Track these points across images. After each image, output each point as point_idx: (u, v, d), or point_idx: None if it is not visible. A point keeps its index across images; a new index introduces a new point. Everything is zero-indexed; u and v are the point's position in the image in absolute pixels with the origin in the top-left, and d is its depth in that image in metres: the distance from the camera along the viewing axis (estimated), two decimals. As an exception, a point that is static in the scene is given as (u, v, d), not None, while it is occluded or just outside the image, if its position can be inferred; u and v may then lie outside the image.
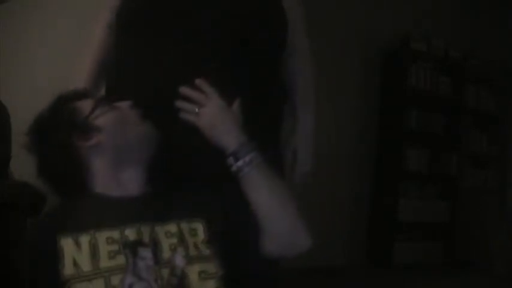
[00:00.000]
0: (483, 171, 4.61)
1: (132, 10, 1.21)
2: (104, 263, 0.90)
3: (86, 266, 0.90)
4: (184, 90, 1.10)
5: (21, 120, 2.37)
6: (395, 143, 4.08)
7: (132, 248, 0.93)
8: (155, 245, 0.94)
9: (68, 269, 0.90)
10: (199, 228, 1.00)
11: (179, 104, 1.10)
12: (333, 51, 3.80)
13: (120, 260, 0.91)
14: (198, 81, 1.10)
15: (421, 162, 4.20)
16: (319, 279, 3.32)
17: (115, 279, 0.89)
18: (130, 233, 0.94)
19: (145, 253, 0.93)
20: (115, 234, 0.94)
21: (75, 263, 0.90)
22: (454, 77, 4.34)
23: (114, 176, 1.03)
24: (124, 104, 1.07)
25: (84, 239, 0.92)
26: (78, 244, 0.92)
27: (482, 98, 4.52)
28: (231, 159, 1.06)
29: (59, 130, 1.03)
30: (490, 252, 4.08)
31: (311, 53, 1.44)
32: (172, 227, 0.98)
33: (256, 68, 1.19)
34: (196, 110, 1.09)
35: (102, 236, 0.93)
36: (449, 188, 4.35)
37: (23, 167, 2.34)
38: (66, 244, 0.92)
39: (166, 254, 0.94)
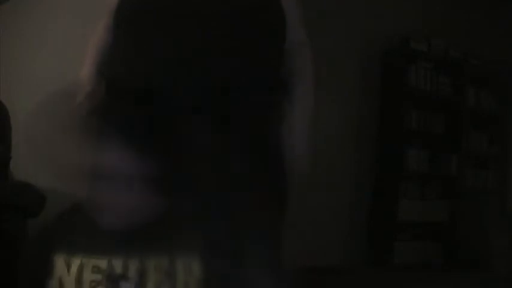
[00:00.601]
0: (483, 171, 4.61)
1: (130, 7, 1.21)
2: None
3: None
4: None
5: (20, 120, 2.37)
6: (395, 143, 4.07)
7: (114, 281, 0.90)
8: (140, 280, 0.91)
9: None
10: (195, 265, 0.93)
11: None
12: (333, 51, 3.80)
13: None
14: None
15: (421, 162, 4.20)
16: (319, 279, 3.31)
17: None
18: (116, 264, 0.92)
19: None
20: (102, 263, 0.92)
21: (61, 285, 0.91)
22: (454, 77, 4.34)
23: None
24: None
25: (75, 263, 0.92)
26: (68, 266, 0.92)
27: (482, 98, 4.52)
28: None
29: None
30: (490, 252, 4.08)
31: (311, 51, 1.44)
32: (163, 262, 0.93)
33: (254, 68, 1.19)
34: None
35: (89, 264, 0.91)
36: (449, 188, 4.34)
37: (23, 167, 2.34)
38: (58, 263, 0.92)
39: None
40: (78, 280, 0.90)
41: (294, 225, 1.40)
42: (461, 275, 3.89)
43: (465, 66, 4.35)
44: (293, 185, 1.27)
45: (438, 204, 4.29)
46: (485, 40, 4.53)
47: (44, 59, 2.81)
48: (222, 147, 1.09)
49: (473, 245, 4.18)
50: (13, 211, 1.76)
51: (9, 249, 1.68)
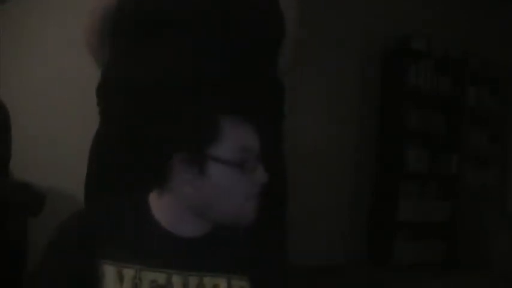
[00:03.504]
0: (484, 170, 4.61)
1: (128, 16, 1.20)
2: None
3: None
4: None
5: (20, 120, 2.38)
6: (396, 143, 4.07)
7: None
8: None
9: None
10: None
11: None
12: (333, 51, 3.80)
13: None
14: None
15: (421, 162, 4.20)
16: (319, 278, 3.32)
17: None
18: (177, 281, 0.87)
19: None
20: (161, 278, 0.87)
21: None
22: (455, 76, 4.34)
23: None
24: None
25: (128, 274, 0.86)
26: (120, 277, 0.85)
27: (483, 97, 4.52)
28: None
29: None
30: (490, 252, 4.08)
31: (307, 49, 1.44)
32: (221, 282, 0.89)
33: (255, 70, 1.19)
34: None
35: (147, 277, 0.86)
36: (449, 188, 4.34)
37: (23, 166, 2.34)
38: (109, 273, 0.85)
39: None
40: None
41: (294, 225, 1.40)
42: (461, 274, 3.89)
43: (465, 65, 4.35)
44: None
45: (438, 203, 4.28)
46: (486, 39, 4.53)
47: (43, 59, 2.81)
48: None
49: (473, 245, 4.18)
50: (13, 210, 1.76)
51: (9, 248, 1.67)
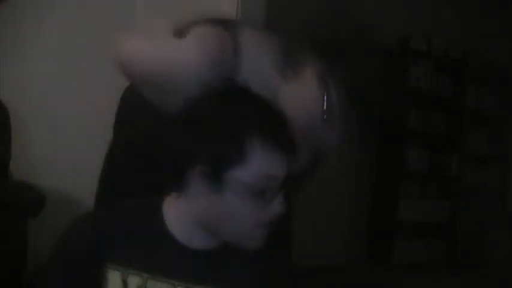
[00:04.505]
0: (484, 170, 4.61)
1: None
2: None
3: None
4: None
5: (20, 120, 2.38)
6: (396, 143, 4.07)
7: None
8: None
9: None
10: None
11: None
12: (333, 51, 3.79)
13: None
14: None
15: (421, 162, 4.20)
16: (319, 278, 3.31)
17: None
18: None
19: None
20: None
21: None
22: (454, 76, 4.34)
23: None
24: None
25: (133, 282, 0.85)
26: (125, 284, 0.85)
27: (483, 97, 4.52)
28: None
29: None
30: (490, 252, 4.08)
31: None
32: None
33: None
34: None
35: (151, 286, 0.85)
36: (449, 188, 4.34)
37: (23, 166, 2.34)
38: (113, 279, 0.85)
39: None
40: None
41: (294, 225, 1.40)
42: (461, 274, 3.89)
43: (465, 65, 4.35)
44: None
45: (438, 204, 4.29)
46: (486, 39, 4.53)
47: (43, 59, 2.80)
48: None
49: (473, 245, 4.18)
50: (13, 210, 1.76)
51: (9, 248, 1.67)
